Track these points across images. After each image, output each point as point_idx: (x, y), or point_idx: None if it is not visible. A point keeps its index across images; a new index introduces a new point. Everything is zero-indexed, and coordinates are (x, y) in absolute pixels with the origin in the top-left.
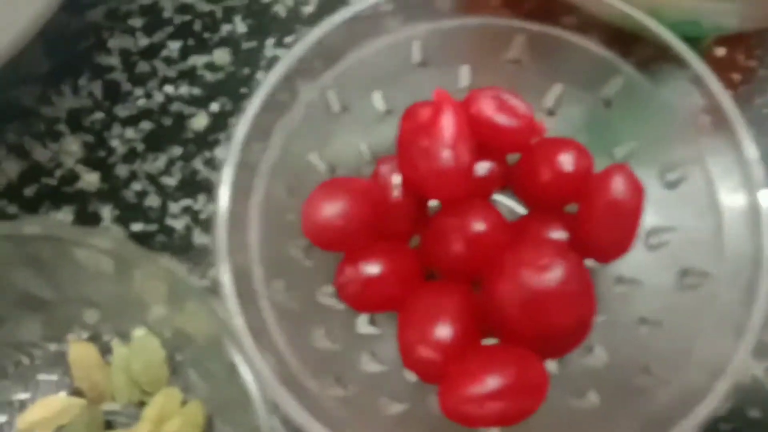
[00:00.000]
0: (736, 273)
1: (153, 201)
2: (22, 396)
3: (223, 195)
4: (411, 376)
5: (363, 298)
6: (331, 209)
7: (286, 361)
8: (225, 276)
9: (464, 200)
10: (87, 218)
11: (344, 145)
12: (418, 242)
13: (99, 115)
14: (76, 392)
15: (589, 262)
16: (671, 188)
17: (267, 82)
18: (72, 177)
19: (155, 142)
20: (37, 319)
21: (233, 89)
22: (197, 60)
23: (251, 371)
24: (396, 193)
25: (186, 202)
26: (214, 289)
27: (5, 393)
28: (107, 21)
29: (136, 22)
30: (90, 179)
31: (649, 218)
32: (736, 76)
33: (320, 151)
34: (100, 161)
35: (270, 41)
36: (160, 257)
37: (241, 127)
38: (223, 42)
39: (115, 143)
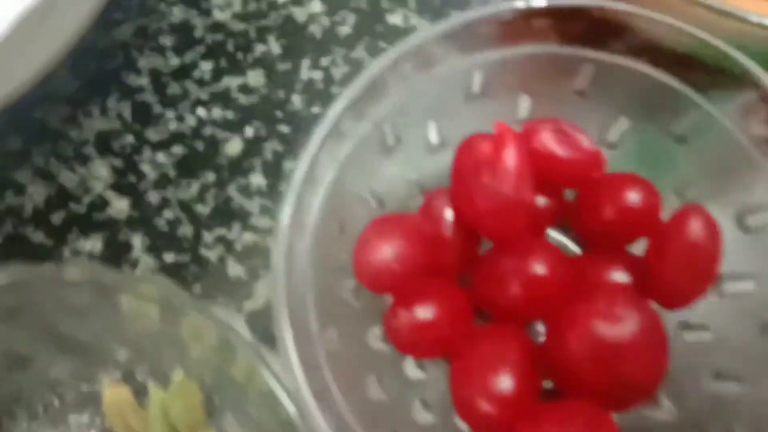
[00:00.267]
0: None
1: (186, 230)
2: None
3: (278, 257)
4: (463, 425)
5: (417, 343)
6: (386, 252)
7: (342, 415)
8: (287, 336)
9: (521, 238)
10: (117, 247)
11: (394, 178)
12: (467, 280)
13: (129, 139)
14: None
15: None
16: (749, 233)
17: (327, 120)
18: (101, 203)
19: (187, 168)
20: (69, 358)
21: (268, 112)
22: (230, 81)
23: (309, 427)
24: (449, 231)
25: (220, 231)
26: (250, 322)
27: None
28: (136, 39)
29: (166, 40)
30: (120, 206)
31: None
32: None
33: (370, 185)
34: (130, 187)
35: (306, 62)
36: (210, 306)
37: (299, 171)
38: (257, 63)
39: (145, 168)
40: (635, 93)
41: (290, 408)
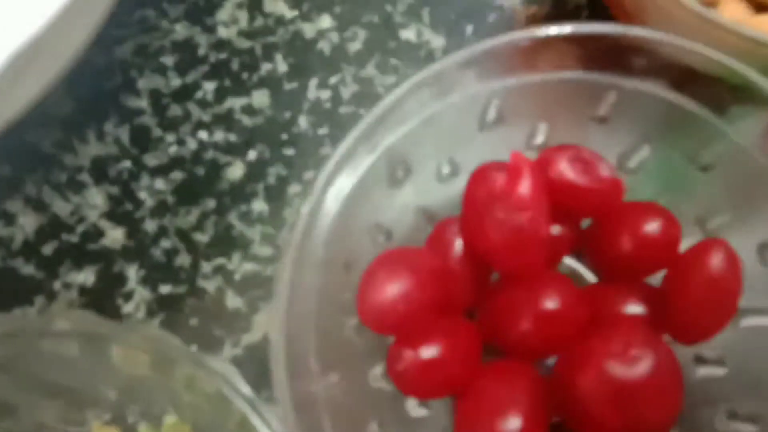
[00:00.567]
0: None
1: (183, 260)
2: None
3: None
4: None
5: (423, 384)
6: (390, 292)
7: None
8: (284, 396)
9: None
10: (111, 279)
11: (402, 207)
12: (475, 314)
13: (126, 164)
14: None
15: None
16: None
17: (339, 152)
18: (95, 233)
19: (187, 195)
20: (56, 403)
21: (272, 135)
22: (234, 102)
23: None
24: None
25: (219, 260)
26: (248, 358)
27: None
28: (136, 58)
29: (168, 59)
30: (115, 236)
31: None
32: None
33: (377, 218)
34: (126, 216)
35: (313, 81)
36: (207, 359)
37: (307, 205)
38: (263, 82)
39: (143, 195)
40: (658, 119)
41: None
